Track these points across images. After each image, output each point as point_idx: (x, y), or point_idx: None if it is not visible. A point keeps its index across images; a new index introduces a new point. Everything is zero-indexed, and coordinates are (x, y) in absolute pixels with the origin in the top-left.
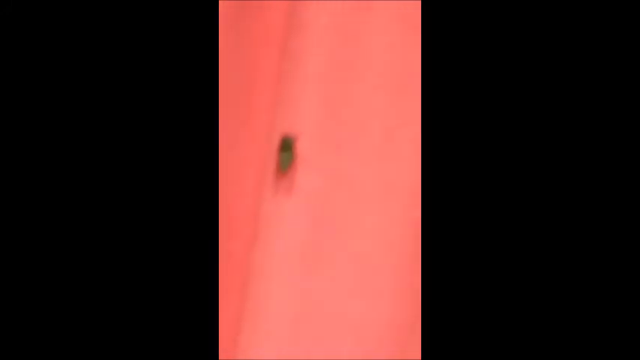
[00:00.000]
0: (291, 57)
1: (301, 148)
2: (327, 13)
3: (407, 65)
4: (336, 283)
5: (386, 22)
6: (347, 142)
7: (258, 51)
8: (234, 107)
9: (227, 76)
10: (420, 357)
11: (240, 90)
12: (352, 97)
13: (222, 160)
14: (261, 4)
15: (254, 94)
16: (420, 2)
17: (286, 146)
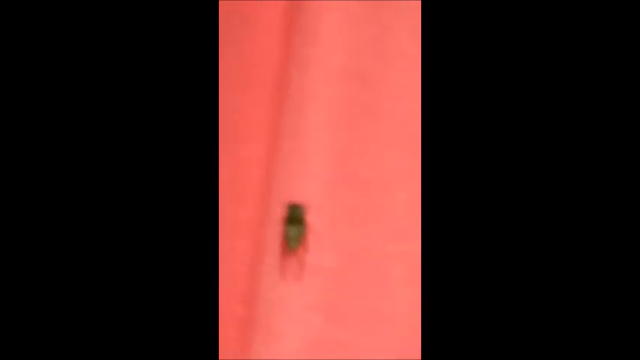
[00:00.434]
0: (295, 97)
1: (313, 220)
2: (337, 54)
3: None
4: None
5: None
6: (368, 210)
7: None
8: (225, 167)
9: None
10: (419, 357)
11: (233, 142)
12: (371, 151)
13: (219, 233)
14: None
15: (248, 149)
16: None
17: (295, 218)
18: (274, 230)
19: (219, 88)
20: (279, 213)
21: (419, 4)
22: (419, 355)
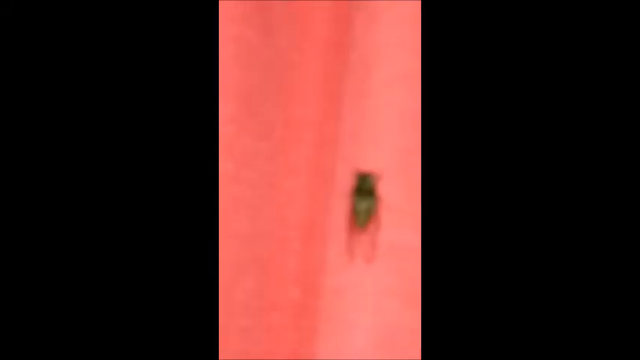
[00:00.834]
0: (360, 49)
1: (385, 191)
2: None
3: None
4: None
5: None
6: None
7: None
8: (275, 124)
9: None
10: (419, 357)
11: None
12: None
13: (261, 208)
14: None
15: (300, 111)
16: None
17: (364, 189)
18: (340, 204)
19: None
20: (345, 184)
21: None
22: None
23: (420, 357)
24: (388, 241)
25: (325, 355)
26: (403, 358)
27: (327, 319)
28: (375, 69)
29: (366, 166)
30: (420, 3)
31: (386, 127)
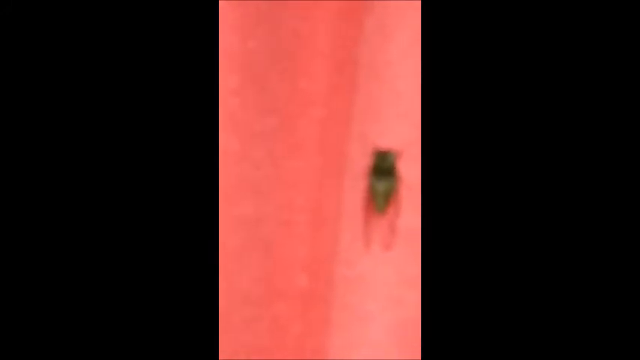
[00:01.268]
0: (376, 12)
1: (406, 171)
2: None
3: None
4: None
5: None
6: None
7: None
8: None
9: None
10: (419, 357)
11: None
12: None
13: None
14: None
15: (306, 82)
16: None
17: (383, 169)
18: (354, 185)
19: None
20: (361, 162)
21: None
22: None
23: None
24: (409, 227)
25: (337, 349)
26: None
27: (340, 311)
28: (394, 34)
29: (384, 143)
30: None
31: (406, 98)
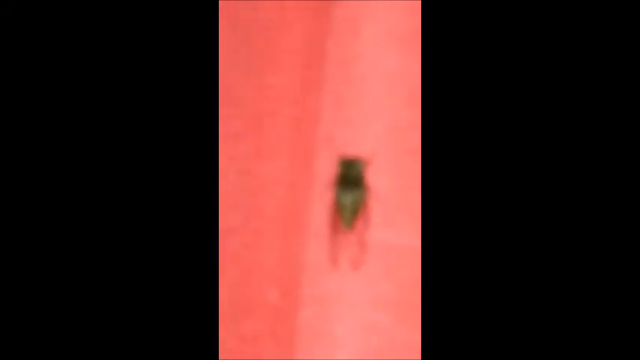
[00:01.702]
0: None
1: (376, 181)
2: None
3: None
4: None
5: None
6: None
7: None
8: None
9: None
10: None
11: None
12: None
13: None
14: None
15: (275, 79)
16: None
17: (351, 179)
18: (321, 196)
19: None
20: (326, 172)
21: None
22: None
23: None
24: (379, 242)
25: None
26: None
27: (307, 334)
28: (363, 28)
29: (351, 150)
30: None
31: (375, 98)
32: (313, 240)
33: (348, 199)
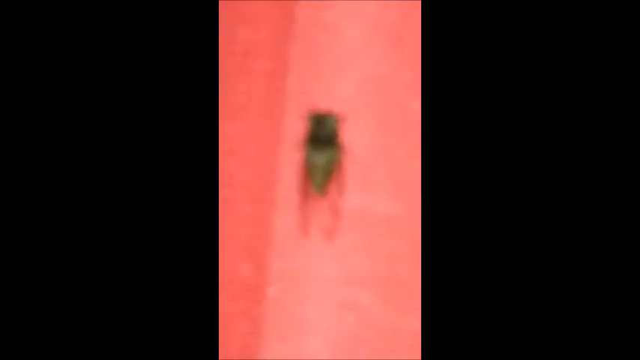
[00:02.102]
0: None
1: (352, 139)
2: None
3: None
4: None
5: None
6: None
7: None
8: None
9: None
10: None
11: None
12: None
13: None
14: None
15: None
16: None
17: (322, 137)
18: (289, 158)
19: None
20: (295, 129)
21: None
22: None
23: None
24: (355, 209)
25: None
26: None
27: (274, 315)
28: None
29: (323, 103)
30: None
31: (351, 44)
32: (280, 207)
33: (320, 159)
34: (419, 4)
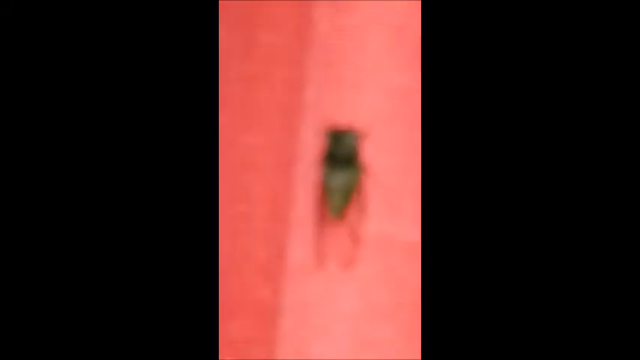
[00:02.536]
0: None
1: (374, 158)
2: None
3: None
4: None
5: None
6: None
7: None
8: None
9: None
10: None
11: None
12: None
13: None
14: None
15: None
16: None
17: (341, 156)
18: (304, 177)
19: None
20: (311, 146)
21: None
22: None
23: None
24: (377, 236)
25: None
26: None
27: (289, 348)
28: None
29: (343, 118)
30: None
31: (374, 54)
32: (295, 232)
33: (338, 181)
34: None
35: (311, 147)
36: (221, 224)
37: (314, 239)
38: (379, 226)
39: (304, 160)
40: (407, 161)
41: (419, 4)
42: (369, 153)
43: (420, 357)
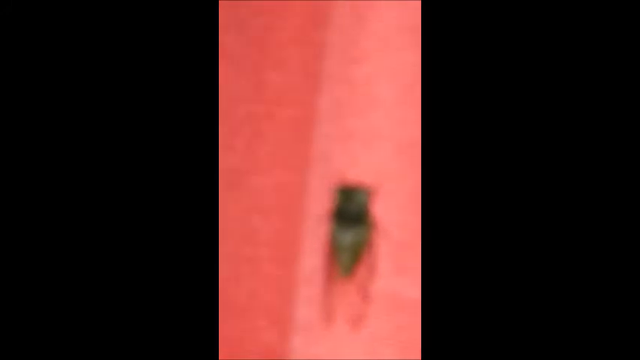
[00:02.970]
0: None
1: (384, 216)
2: None
3: None
4: None
5: None
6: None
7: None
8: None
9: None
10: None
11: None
12: None
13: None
14: None
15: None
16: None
17: (351, 213)
18: (313, 234)
19: None
20: (321, 203)
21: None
22: None
23: None
24: (387, 294)
25: None
26: None
27: None
28: (370, 20)
29: (352, 174)
30: None
31: (384, 106)
32: (303, 289)
33: (347, 239)
34: None
35: (320, 202)
36: (226, 266)
37: (322, 297)
38: (388, 283)
39: (311, 214)
40: (417, 218)
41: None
42: (379, 209)
43: None
